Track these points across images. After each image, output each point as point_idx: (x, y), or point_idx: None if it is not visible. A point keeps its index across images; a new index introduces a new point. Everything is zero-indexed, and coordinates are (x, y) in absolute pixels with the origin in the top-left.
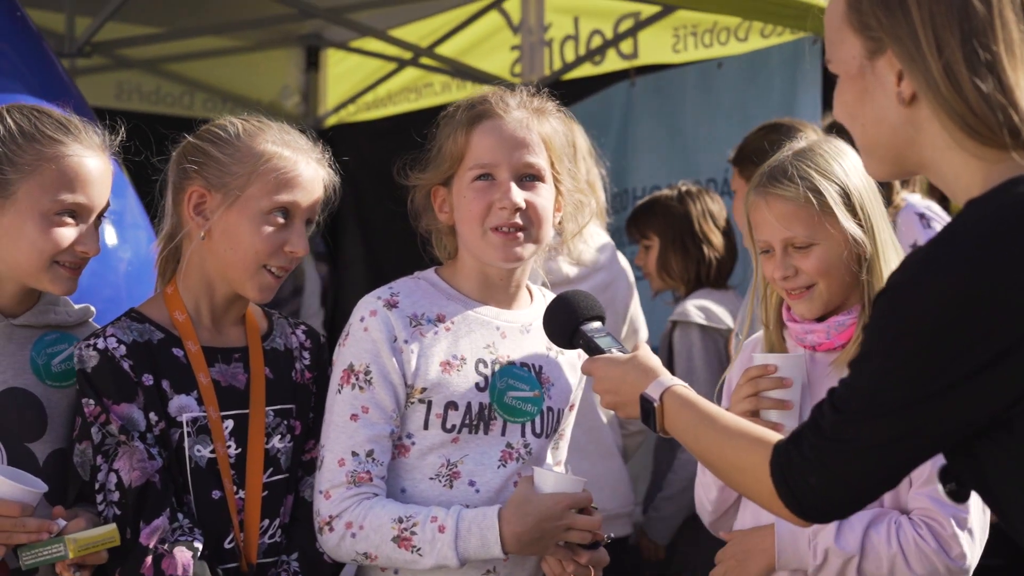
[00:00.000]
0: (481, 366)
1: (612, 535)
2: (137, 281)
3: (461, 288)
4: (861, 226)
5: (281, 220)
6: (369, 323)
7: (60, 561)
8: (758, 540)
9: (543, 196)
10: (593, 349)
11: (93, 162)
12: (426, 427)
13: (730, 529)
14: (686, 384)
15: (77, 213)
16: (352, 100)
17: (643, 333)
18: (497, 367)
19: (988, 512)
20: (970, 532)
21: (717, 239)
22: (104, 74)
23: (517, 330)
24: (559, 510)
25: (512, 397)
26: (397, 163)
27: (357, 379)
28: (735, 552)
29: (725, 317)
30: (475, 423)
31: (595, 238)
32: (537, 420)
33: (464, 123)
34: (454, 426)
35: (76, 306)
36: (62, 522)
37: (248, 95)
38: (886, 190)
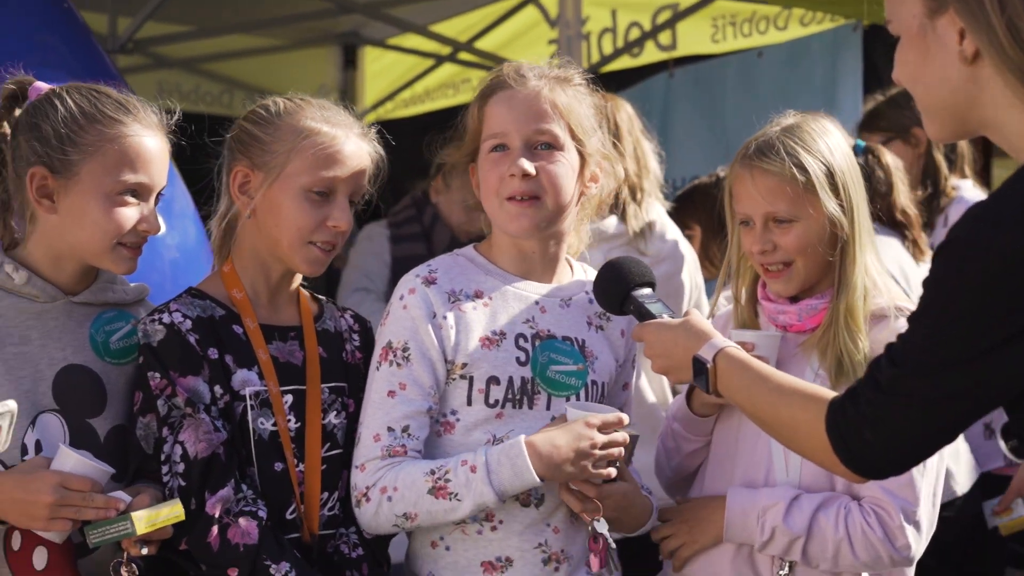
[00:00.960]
0: (521, 340)
1: (633, 432)
2: (184, 268)
3: (499, 263)
4: (842, 207)
5: (322, 195)
6: (408, 300)
7: (127, 538)
8: (709, 511)
9: (559, 163)
10: (644, 315)
11: (152, 141)
12: (469, 403)
13: (685, 495)
14: (737, 346)
15: (138, 192)
16: (390, 97)
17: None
18: (538, 341)
19: (938, 506)
20: (916, 525)
21: None
22: (144, 73)
23: (557, 304)
24: (583, 429)
25: (555, 371)
26: (426, 140)
27: (395, 356)
28: (687, 518)
29: None
30: (518, 397)
31: (658, 225)
32: (581, 393)
33: (479, 97)
34: (497, 401)
35: (131, 284)
36: (128, 498)
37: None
38: (934, 176)
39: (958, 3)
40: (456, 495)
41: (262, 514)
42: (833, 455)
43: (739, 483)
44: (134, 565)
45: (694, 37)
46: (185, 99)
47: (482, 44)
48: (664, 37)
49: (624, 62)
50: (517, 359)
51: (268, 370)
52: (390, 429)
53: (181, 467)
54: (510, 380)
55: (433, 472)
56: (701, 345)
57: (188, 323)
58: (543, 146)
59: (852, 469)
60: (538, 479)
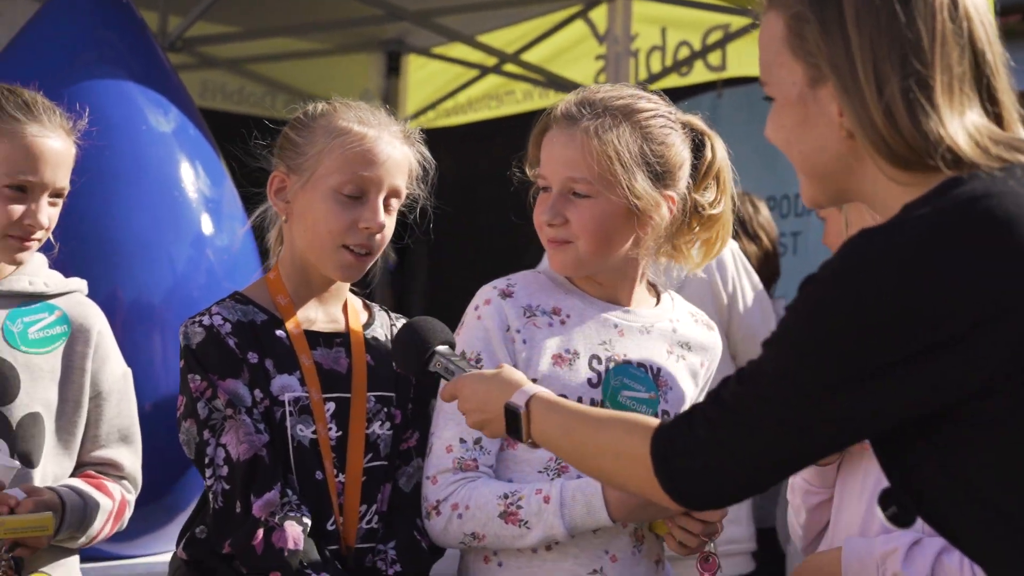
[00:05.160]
0: (595, 362)
1: None
2: (232, 269)
3: (580, 284)
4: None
5: (354, 196)
6: (483, 311)
7: None
8: (826, 562)
9: (583, 210)
10: (453, 371)
11: (49, 142)
12: None
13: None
14: (549, 391)
15: (28, 190)
16: (432, 106)
17: None
18: (612, 364)
19: None
20: None
21: (750, 248)
22: (191, 72)
23: (636, 329)
24: None
25: (626, 396)
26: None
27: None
28: (803, 573)
29: None
30: None
31: None
32: None
33: (535, 133)
34: None
35: (63, 279)
36: (22, 497)
37: (329, 98)
38: None
39: (835, 77)
40: (526, 523)
41: (307, 520)
42: (657, 484)
43: (859, 532)
44: (12, 561)
45: (745, 59)
46: (228, 99)
47: (528, 57)
48: (714, 58)
49: (672, 80)
50: (589, 380)
51: (311, 376)
52: (462, 441)
53: (225, 470)
54: (579, 401)
55: (506, 496)
56: (513, 392)
57: (228, 326)
58: (576, 194)
59: (675, 497)
60: (611, 520)
